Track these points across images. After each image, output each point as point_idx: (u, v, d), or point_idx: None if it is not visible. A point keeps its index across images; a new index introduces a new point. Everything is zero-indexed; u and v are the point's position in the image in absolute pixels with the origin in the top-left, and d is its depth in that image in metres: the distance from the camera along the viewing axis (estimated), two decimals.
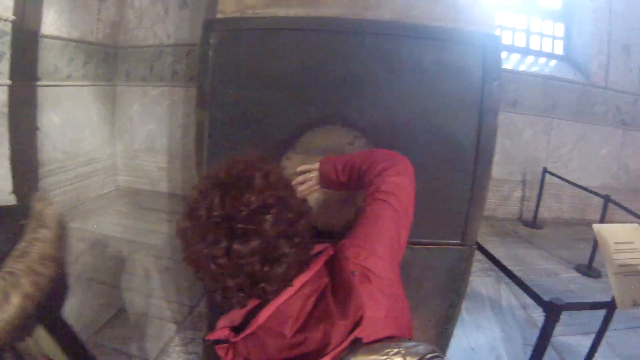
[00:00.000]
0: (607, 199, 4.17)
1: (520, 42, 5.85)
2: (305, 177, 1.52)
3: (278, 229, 0.84)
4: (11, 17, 3.25)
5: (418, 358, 0.80)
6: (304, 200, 0.99)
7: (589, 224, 4.83)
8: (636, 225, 2.06)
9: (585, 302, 2.19)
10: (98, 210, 4.91)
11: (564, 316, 1.81)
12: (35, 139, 4.32)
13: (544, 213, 5.64)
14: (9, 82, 3.32)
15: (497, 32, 1.71)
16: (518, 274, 3.89)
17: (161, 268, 3.58)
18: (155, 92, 5.49)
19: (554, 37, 5.94)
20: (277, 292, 0.88)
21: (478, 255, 2.08)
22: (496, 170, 5.56)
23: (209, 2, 1.69)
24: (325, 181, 1.46)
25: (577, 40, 5.76)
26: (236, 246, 0.80)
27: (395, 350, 0.83)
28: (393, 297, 1.00)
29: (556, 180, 5.17)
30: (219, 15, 1.68)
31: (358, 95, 1.62)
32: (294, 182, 1.45)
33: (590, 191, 4.51)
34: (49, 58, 4.34)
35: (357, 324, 0.84)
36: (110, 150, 5.62)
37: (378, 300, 0.94)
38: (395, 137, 1.59)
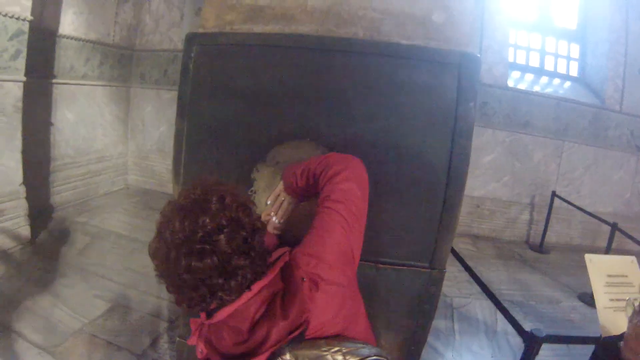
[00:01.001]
0: (614, 227, 4.06)
1: (534, 62, 5.79)
2: (278, 201, 1.53)
3: (232, 246, 0.94)
4: (29, 17, 3.38)
5: (359, 359, 0.92)
6: (259, 218, 1.06)
7: (598, 251, 4.72)
8: (632, 257, 1.99)
9: (568, 335, 2.13)
10: (106, 207, 5.03)
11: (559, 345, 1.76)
12: (48, 134, 4.48)
13: (552, 238, 5.51)
14: (24, 78, 3.45)
15: (475, 50, 1.68)
16: (518, 299, 3.87)
17: (155, 272, 3.62)
18: (168, 96, 5.60)
19: (569, 58, 5.86)
20: (235, 298, 0.98)
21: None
22: (504, 192, 5.54)
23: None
24: (287, 188, 1.47)
25: (592, 62, 5.66)
26: (194, 263, 0.91)
27: (337, 348, 0.95)
28: (343, 301, 1.10)
29: (565, 204, 5.07)
30: (200, 30, 1.74)
31: (329, 111, 1.63)
32: (269, 210, 1.49)
33: (598, 218, 4.39)
34: (66, 57, 4.51)
35: (299, 326, 0.96)
36: (121, 150, 5.76)
37: (325, 304, 1.04)
38: (364, 154, 1.57)
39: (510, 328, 3.33)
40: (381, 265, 1.68)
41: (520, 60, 5.76)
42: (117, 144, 5.65)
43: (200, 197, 0.98)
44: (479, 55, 1.60)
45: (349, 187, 1.20)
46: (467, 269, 2.68)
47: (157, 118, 5.73)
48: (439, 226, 1.67)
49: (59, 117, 4.57)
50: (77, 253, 3.78)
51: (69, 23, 4.45)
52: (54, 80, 4.40)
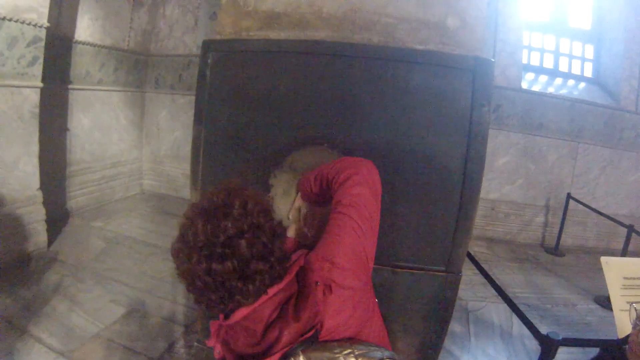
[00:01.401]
0: (630, 229, 4.02)
1: (548, 64, 5.76)
2: (301, 213, 1.55)
3: (252, 251, 0.97)
4: (45, 24, 3.43)
5: None
6: (279, 223, 1.09)
7: (614, 254, 4.65)
8: None
9: (584, 338, 2.11)
10: (121, 211, 5.07)
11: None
12: (64, 139, 4.55)
13: (567, 240, 5.47)
14: (40, 84, 3.51)
15: (488, 54, 1.68)
16: (533, 302, 3.84)
17: (175, 272, 3.65)
18: (183, 101, 5.65)
19: (584, 59, 5.81)
20: (250, 302, 1.01)
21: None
22: (519, 194, 5.49)
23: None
24: (304, 195, 1.50)
25: (607, 63, 5.61)
26: (215, 266, 0.94)
27: (349, 350, 0.97)
28: (357, 304, 1.11)
29: (581, 206, 5.02)
30: (217, 36, 1.77)
31: (345, 116, 1.65)
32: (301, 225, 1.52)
33: (614, 220, 4.36)
34: (82, 63, 4.58)
35: (311, 328, 0.98)
36: (136, 155, 5.81)
37: (339, 308, 1.05)
38: (380, 159, 1.59)
39: (526, 331, 3.30)
40: (398, 269, 1.69)
41: (535, 62, 5.73)
42: (132, 149, 5.71)
43: (223, 202, 1.01)
44: (492, 60, 1.61)
45: (361, 191, 1.22)
46: (483, 272, 2.67)
47: (172, 123, 5.78)
48: (455, 230, 1.68)
49: (75, 122, 4.63)
50: (94, 258, 3.81)
51: (85, 29, 4.51)
52: (70, 86, 4.47)
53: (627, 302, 1.85)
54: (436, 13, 1.62)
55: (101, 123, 5.03)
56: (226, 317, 1.07)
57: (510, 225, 5.56)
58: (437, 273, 1.73)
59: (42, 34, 3.43)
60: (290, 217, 1.52)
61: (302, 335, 0.97)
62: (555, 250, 5.30)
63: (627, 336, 1.30)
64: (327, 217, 1.27)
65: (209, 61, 1.73)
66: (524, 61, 5.52)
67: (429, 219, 1.67)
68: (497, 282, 2.49)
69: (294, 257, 1.15)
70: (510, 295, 2.38)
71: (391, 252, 1.67)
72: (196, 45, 5.48)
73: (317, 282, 1.05)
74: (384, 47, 1.61)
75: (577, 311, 3.85)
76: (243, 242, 0.95)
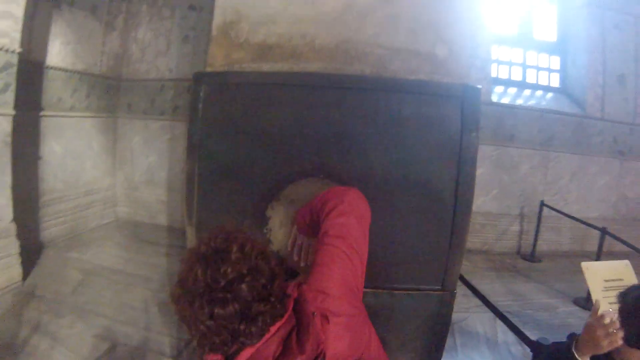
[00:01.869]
0: (603, 231, 4.20)
1: (516, 76, 5.97)
2: (297, 246, 1.59)
3: (253, 293, 0.99)
4: (18, 49, 3.35)
5: None
6: (278, 263, 1.11)
7: (588, 255, 4.82)
8: (626, 261, 2.09)
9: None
10: (97, 241, 4.95)
11: None
12: (37, 168, 4.43)
13: (543, 246, 5.63)
14: (13, 112, 3.41)
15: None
16: (515, 309, 3.94)
17: (159, 302, 3.61)
18: (156, 126, 5.59)
19: (550, 70, 6.06)
20: (254, 342, 1.02)
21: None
22: (494, 205, 5.63)
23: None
24: (299, 228, 1.55)
25: (573, 73, 5.88)
26: (217, 311, 0.95)
27: None
28: (355, 330, 1.17)
29: (554, 213, 5.21)
30: (208, 68, 1.80)
31: (340, 147, 1.71)
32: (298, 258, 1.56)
33: (587, 223, 4.56)
34: (53, 89, 4.49)
35: (315, 358, 1.01)
36: (110, 182, 5.70)
37: (338, 335, 1.09)
38: (375, 188, 1.66)
39: (511, 338, 3.45)
40: (395, 291, 1.74)
41: (503, 75, 5.93)
42: (106, 176, 5.60)
43: (221, 246, 1.03)
44: (479, 87, 1.70)
45: (346, 221, 1.28)
46: (467, 284, 2.76)
47: (145, 148, 5.68)
48: (449, 249, 1.76)
49: (47, 150, 4.52)
50: (72, 291, 3.70)
51: (56, 53, 4.44)
52: (41, 113, 4.37)
53: (610, 303, 1.96)
54: (425, 43, 1.71)
55: (74, 150, 4.92)
56: (228, 359, 1.08)
57: (486, 236, 5.69)
58: (433, 292, 1.80)
59: (15, 59, 3.36)
60: (289, 248, 1.57)
61: None
62: (532, 257, 5.48)
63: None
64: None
65: (201, 94, 1.74)
66: (493, 74, 5.72)
67: (424, 241, 1.74)
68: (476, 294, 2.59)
69: (288, 290, 1.17)
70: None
71: (388, 275, 1.72)
72: (168, 69, 5.47)
73: (313, 313, 1.07)
74: (376, 78, 1.69)
75: (558, 314, 3.99)
76: (244, 286, 0.98)
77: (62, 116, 4.67)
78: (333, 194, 1.35)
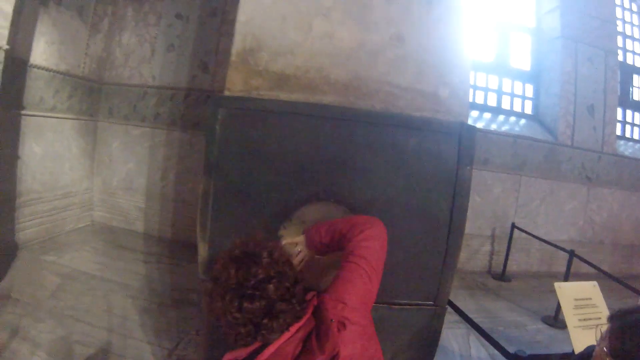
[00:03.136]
0: (571, 254, 4.46)
1: (492, 102, 6.27)
2: (294, 251, 1.78)
3: (278, 293, 1.20)
4: (5, 46, 3.35)
5: None
6: (301, 270, 1.38)
7: (556, 276, 5.10)
8: (594, 282, 2.40)
9: (548, 354, 2.46)
10: (73, 244, 4.93)
11: None
12: (15, 168, 4.41)
13: (513, 266, 5.89)
14: None
15: (471, 121, 2.02)
16: (487, 325, 4.18)
17: (139, 309, 3.65)
18: (137, 132, 5.59)
19: (524, 98, 6.39)
20: (277, 337, 1.21)
21: (448, 308, 2.32)
22: (467, 225, 5.73)
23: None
24: (310, 244, 1.74)
25: (546, 101, 6.23)
26: (246, 305, 1.17)
27: None
28: (366, 338, 1.33)
29: (524, 234, 5.48)
30: (226, 92, 1.95)
31: (349, 175, 1.91)
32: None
33: (556, 246, 4.83)
34: (36, 88, 4.47)
35: (332, 358, 1.18)
36: (87, 185, 5.68)
37: (352, 341, 1.26)
38: (378, 212, 1.87)
39: (483, 353, 3.69)
40: (393, 306, 1.95)
41: (479, 100, 6.21)
42: (83, 179, 5.58)
43: (253, 251, 1.26)
44: (475, 126, 1.95)
45: (371, 245, 1.50)
46: (449, 303, 2.97)
47: (125, 154, 5.67)
48: (442, 269, 1.99)
49: (27, 150, 4.50)
50: (50, 296, 3.67)
51: (41, 52, 4.43)
52: (22, 112, 4.35)
53: (580, 320, 2.24)
54: (430, 84, 1.94)
55: (53, 152, 4.91)
56: (252, 355, 1.26)
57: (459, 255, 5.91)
58: (426, 307, 2.03)
59: (1, 56, 3.35)
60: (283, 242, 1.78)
61: None
62: (502, 276, 5.70)
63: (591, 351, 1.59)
64: (322, 262, 1.50)
65: (219, 117, 1.90)
66: (470, 99, 5.99)
67: (420, 261, 1.97)
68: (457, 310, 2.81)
69: (307, 297, 1.38)
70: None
71: (388, 291, 1.90)
72: (152, 76, 5.49)
73: (332, 320, 1.27)
74: (385, 114, 1.91)
75: (527, 331, 4.21)
76: (271, 286, 1.19)
77: (43, 116, 4.65)
78: (362, 221, 1.57)
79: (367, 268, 1.44)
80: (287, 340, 1.22)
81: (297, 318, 1.26)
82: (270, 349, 1.21)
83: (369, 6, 1.95)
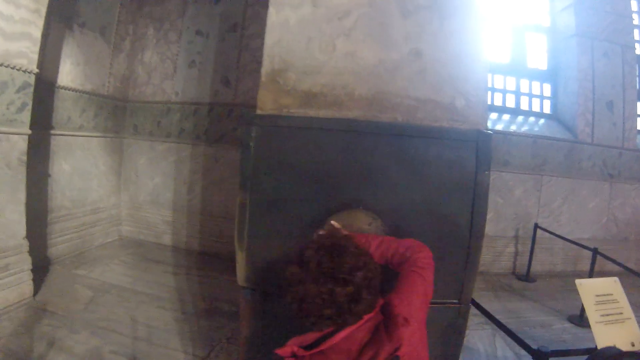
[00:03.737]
0: (595, 252, 4.55)
1: (510, 103, 6.37)
2: None
3: (364, 282, 1.38)
4: (35, 69, 3.57)
5: None
6: (379, 265, 1.55)
7: (580, 275, 5.17)
8: (615, 278, 2.51)
9: (570, 349, 2.55)
10: (103, 259, 5.16)
11: None
12: (46, 186, 4.68)
13: (537, 266, 5.93)
14: (29, 131, 3.62)
15: (488, 129, 2.19)
16: (512, 326, 4.24)
17: (170, 319, 3.82)
18: (162, 147, 5.84)
19: (542, 97, 6.48)
20: (352, 323, 1.38)
21: (473, 310, 2.47)
22: (490, 228, 5.86)
23: None
24: None
25: (564, 100, 6.31)
26: (338, 289, 1.33)
27: None
28: (420, 335, 1.49)
29: (547, 234, 5.56)
30: (258, 111, 2.15)
31: (374, 184, 2.10)
32: None
33: (579, 244, 4.91)
34: (64, 108, 4.78)
35: (397, 348, 1.33)
36: (115, 201, 5.94)
37: (412, 336, 1.41)
38: (404, 218, 2.08)
39: (509, 353, 3.79)
40: None
41: (498, 102, 6.32)
42: (111, 195, 5.81)
43: (341, 242, 1.45)
44: (491, 132, 2.12)
45: (430, 262, 1.73)
46: (474, 303, 3.10)
47: (151, 169, 5.90)
48: (465, 269, 2.15)
49: (56, 168, 4.78)
50: (83, 308, 3.84)
51: (67, 74, 4.71)
52: (52, 132, 4.62)
53: (602, 315, 2.36)
54: (447, 95, 2.12)
55: (81, 169, 5.18)
56: (318, 343, 1.41)
57: (483, 258, 5.87)
58: (452, 305, 2.19)
59: (32, 79, 3.56)
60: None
61: (391, 354, 1.34)
62: (527, 277, 5.77)
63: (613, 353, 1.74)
64: None
65: (252, 134, 2.10)
66: (488, 102, 6.06)
67: (444, 262, 2.10)
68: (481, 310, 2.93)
69: None
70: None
71: None
72: (175, 92, 5.75)
73: (398, 314, 1.45)
74: (406, 125, 2.09)
75: (553, 331, 4.27)
76: (360, 274, 1.37)
77: (71, 135, 4.94)
78: (418, 245, 1.78)
79: (427, 277, 1.66)
80: (359, 327, 1.39)
81: (371, 308, 1.43)
82: (342, 334, 1.37)
83: (387, 25, 2.14)
